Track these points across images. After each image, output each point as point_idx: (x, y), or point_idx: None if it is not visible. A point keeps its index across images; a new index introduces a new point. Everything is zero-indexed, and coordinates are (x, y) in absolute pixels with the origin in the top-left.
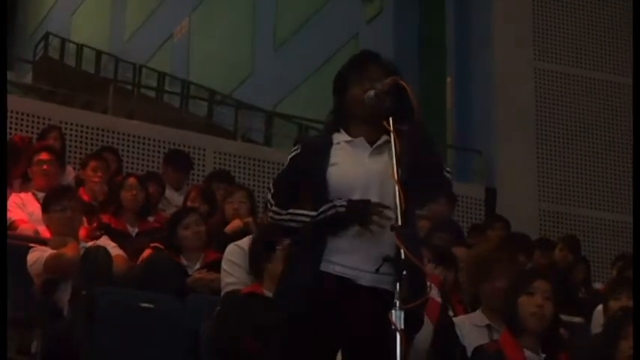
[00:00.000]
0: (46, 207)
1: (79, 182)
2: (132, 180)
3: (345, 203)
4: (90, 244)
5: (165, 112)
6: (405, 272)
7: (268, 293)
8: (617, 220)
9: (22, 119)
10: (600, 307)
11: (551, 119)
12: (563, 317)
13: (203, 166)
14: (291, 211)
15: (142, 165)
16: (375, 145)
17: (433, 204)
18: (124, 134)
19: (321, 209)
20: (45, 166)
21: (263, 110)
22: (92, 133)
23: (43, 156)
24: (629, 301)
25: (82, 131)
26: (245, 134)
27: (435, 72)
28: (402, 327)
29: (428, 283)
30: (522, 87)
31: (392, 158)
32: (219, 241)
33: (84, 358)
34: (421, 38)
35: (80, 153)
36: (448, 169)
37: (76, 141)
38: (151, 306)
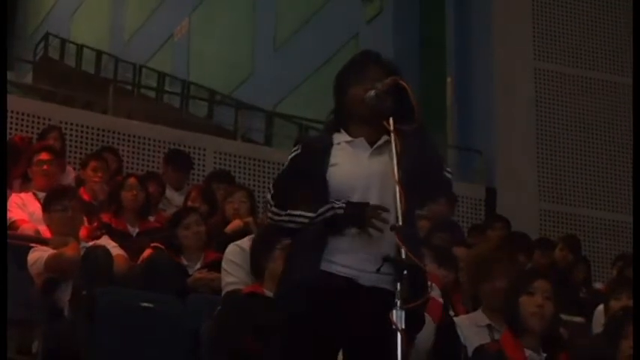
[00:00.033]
0: (46, 207)
1: (80, 182)
2: (132, 180)
3: (343, 205)
4: (90, 243)
5: (166, 112)
6: (405, 272)
7: (269, 293)
8: (617, 220)
9: (22, 119)
10: (601, 306)
11: (552, 119)
12: (564, 317)
13: (203, 166)
14: (290, 212)
15: (142, 165)
16: (375, 146)
17: (433, 204)
18: (124, 134)
19: (320, 211)
20: (45, 166)
21: (263, 110)
22: (92, 133)
23: (43, 156)
24: (629, 301)
25: (82, 131)
26: (245, 134)
27: (435, 72)
28: (403, 327)
29: (430, 283)
30: (522, 87)
31: (392, 158)
32: (219, 241)
33: (84, 358)
34: (421, 38)
35: (80, 153)
36: (448, 169)
37: (76, 141)
38: (151, 306)
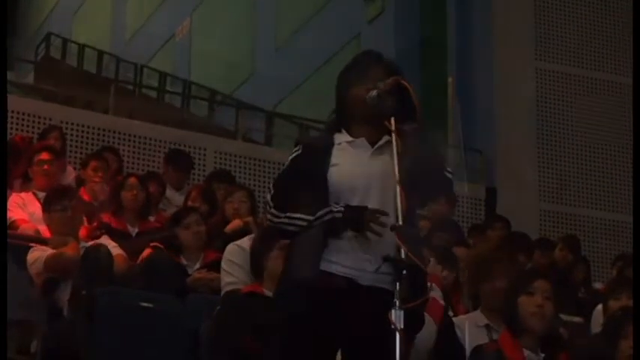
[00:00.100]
0: (46, 207)
1: (80, 182)
2: (132, 180)
3: (342, 209)
4: (90, 243)
5: (166, 112)
6: (405, 272)
7: (268, 293)
8: (617, 220)
9: (23, 119)
10: (600, 306)
11: (552, 119)
12: (563, 317)
13: (204, 166)
14: (289, 214)
15: (143, 165)
16: (376, 146)
17: (433, 204)
18: (124, 134)
19: (318, 214)
20: (45, 166)
21: (264, 110)
22: (93, 133)
23: (44, 156)
24: (629, 301)
25: (82, 131)
26: (246, 134)
27: (435, 72)
28: (402, 327)
29: (431, 284)
30: (523, 87)
31: (393, 158)
32: (219, 240)
33: (84, 357)
34: (422, 38)
35: (81, 153)
36: (449, 169)
37: (76, 141)
38: (150, 306)
